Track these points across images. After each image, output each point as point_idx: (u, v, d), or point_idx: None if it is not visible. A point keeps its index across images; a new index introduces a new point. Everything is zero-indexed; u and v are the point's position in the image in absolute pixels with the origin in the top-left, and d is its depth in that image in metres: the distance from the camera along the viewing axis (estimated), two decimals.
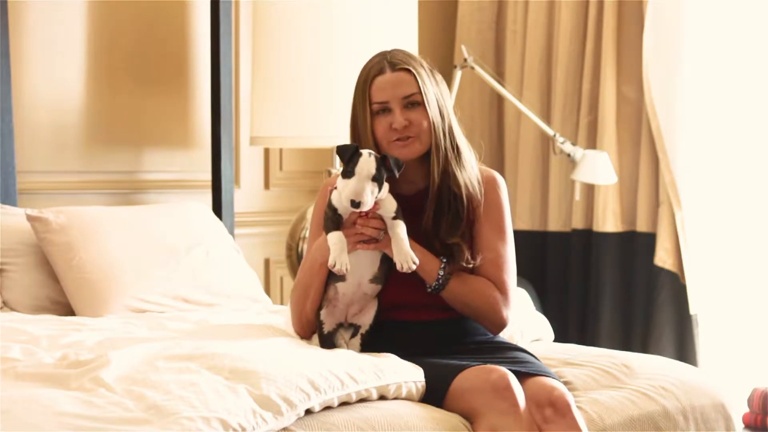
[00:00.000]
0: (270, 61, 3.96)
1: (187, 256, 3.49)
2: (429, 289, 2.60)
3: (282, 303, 4.31)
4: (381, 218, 2.54)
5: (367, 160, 2.48)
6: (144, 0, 4.07)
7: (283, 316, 3.02)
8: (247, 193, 4.41)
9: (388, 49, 2.70)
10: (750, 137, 4.27)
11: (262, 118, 4.00)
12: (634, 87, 4.49)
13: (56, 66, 3.88)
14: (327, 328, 2.61)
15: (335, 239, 2.52)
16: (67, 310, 3.32)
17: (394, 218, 2.54)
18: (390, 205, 2.54)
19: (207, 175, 4.13)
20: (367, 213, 2.53)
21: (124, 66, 4.05)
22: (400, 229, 2.53)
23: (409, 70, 2.61)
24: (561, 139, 4.32)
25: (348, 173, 2.48)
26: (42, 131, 3.85)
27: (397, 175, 2.52)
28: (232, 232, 4.00)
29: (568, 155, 4.32)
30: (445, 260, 2.60)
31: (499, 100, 4.83)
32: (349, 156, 2.50)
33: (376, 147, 2.61)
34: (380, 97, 2.61)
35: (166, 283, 3.39)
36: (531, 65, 4.71)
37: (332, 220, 2.54)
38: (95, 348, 2.52)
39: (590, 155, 4.25)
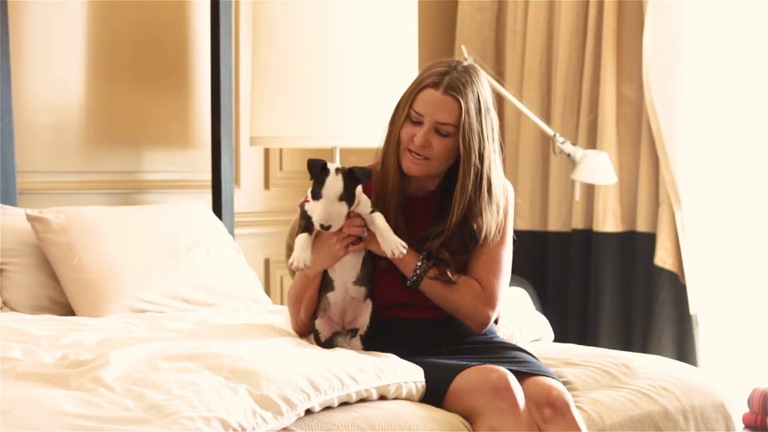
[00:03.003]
0: (270, 61, 3.96)
1: (187, 256, 3.49)
2: (408, 283, 2.60)
3: (282, 303, 4.31)
4: (361, 216, 2.55)
5: (334, 181, 2.47)
6: (144, 0, 4.07)
7: (283, 316, 3.02)
8: (247, 193, 4.41)
9: (465, 62, 2.62)
10: (750, 137, 4.27)
11: (262, 118, 4.00)
12: (634, 87, 4.49)
13: (56, 66, 3.88)
14: (323, 336, 2.62)
15: (300, 240, 2.54)
16: (67, 310, 3.32)
17: (372, 212, 2.55)
18: (365, 204, 2.55)
19: (207, 175, 4.13)
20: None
21: (124, 66, 4.05)
22: (380, 220, 2.54)
23: (458, 100, 2.55)
24: (561, 139, 4.32)
25: (316, 195, 2.48)
26: (42, 131, 3.85)
27: (365, 182, 2.51)
28: (232, 232, 4.00)
29: (568, 155, 4.31)
30: (423, 255, 2.60)
31: (499, 100, 4.82)
32: (316, 172, 2.48)
33: (398, 145, 2.61)
34: (419, 109, 2.57)
35: (166, 283, 3.39)
36: (531, 65, 4.71)
37: (305, 228, 2.54)
38: (95, 348, 2.52)
39: (590, 155, 4.25)
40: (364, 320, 2.61)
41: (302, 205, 2.56)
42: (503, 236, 2.67)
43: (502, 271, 2.66)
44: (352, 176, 2.49)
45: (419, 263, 2.59)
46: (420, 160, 2.59)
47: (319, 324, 2.62)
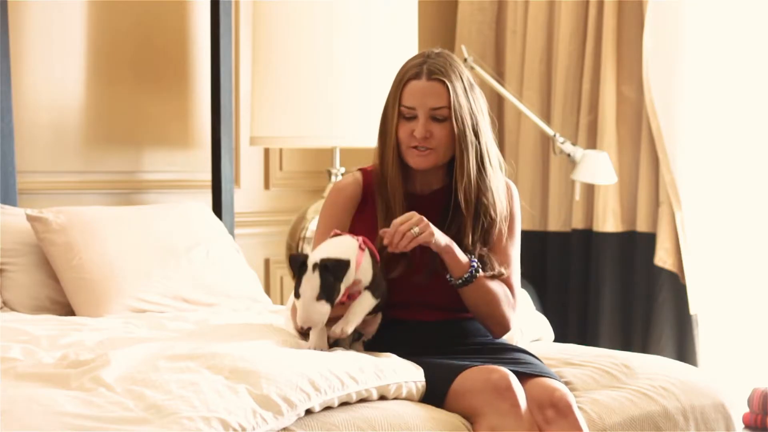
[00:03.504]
0: (270, 61, 3.96)
1: (187, 256, 3.49)
2: (458, 282, 2.58)
3: (282, 303, 4.31)
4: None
5: (310, 279, 2.41)
6: (144, 0, 4.07)
7: (283, 316, 3.02)
8: (247, 193, 4.41)
9: (436, 50, 2.65)
10: (750, 137, 4.27)
11: (262, 118, 4.00)
12: (634, 87, 4.49)
13: (56, 66, 3.88)
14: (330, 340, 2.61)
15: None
16: (67, 310, 3.31)
17: (366, 288, 2.49)
18: (366, 278, 2.49)
19: (207, 175, 4.13)
20: (343, 302, 2.48)
21: (124, 66, 4.05)
22: (359, 302, 2.48)
23: (443, 82, 2.58)
24: (561, 139, 4.32)
25: (296, 294, 2.43)
26: (42, 131, 3.85)
27: (342, 280, 2.43)
28: (232, 232, 4.00)
29: (568, 155, 4.31)
30: (473, 257, 2.59)
31: (499, 100, 4.82)
32: (296, 269, 2.44)
33: (398, 146, 2.61)
34: (409, 102, 2.59)
35: (166, 283, 3.38)
36: (531, 65, 4.71)
37: None
38: (95, 348, 2.52)
39: (590, 155, 4.25)
40: (371, 329, 2.60)
41: None
42: (513, 236, 2.69)
43: (518, 273, 2.69)
44: (327, 272, 2.41)
45: (474, 264, 2.58)
46: (425, 152, 2.60)
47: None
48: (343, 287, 2.44)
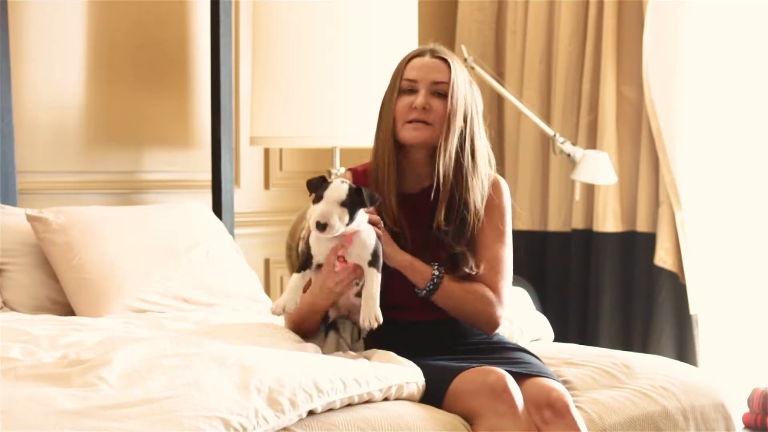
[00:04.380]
0: (270, 61, 3.96)
1: (187, 256, 3.49)
2: (423, 293, 2.59)
3: None
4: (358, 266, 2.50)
5: (338, 186, 2.44)
6: (144, 0, 4.07)
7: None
8: (247, 193, 4.41)
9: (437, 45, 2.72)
10: (750, 137, 4.27)
11: (262, 118, 4.00)
12: (634, 87, 4.49)
13: (56, 66, 3.88)
14: (330, 317, 2.62)
15: (292, 280, 2.49)
16: (67, 310, 3.32)
17: (370, 265, 2.49)
18: (365, 247, 2.48)
19: (207, 175, 4.13)
20: (346, 262, 2.48)
21: (125, 66, 4.05)
22: (372, 281, 2.47)
23: (446, 61, 2.63)
24: (561, 139, 4.32)
25: (317, 198, 2.44)
26: (42, 131, 3.85)
27: (369, 206, 2.46)
28: (232, 232, 4.00)
29: (568, 155, 4.31)
30: (436, 264, 2.59)
31: (499, 100, 4.83)
32: (317, 185, 2.46)
33: (393, 125, 2.62)
34: (412, 75, 2.63)
35: (166, 283, 3.39)
36: (531, 65, 4.71)
37: (305, 259, 2.49)
38: (95, 348, 2.52)
39: (590, 155, 4.25)
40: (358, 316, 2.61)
41: (307, 239, 2.51)
42: (502, 234, 2.67)
43: (506, 269, 2.66)
44: (357, 191, 2.44)
45: (435, 272, 2.58)
46: (421, 125, 2.60)
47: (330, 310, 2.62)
48: (357, 218, 2.43)
